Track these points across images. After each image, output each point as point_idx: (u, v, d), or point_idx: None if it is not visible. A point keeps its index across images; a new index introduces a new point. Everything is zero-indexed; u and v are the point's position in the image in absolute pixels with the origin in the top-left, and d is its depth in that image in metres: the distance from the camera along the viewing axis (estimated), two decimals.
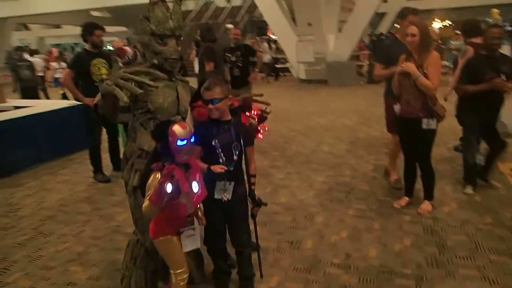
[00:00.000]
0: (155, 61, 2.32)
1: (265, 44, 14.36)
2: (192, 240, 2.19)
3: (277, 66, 14.46)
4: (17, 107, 6.07)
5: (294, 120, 7.60)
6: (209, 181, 2.27)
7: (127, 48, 3.37)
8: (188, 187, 2.01)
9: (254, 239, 2.67)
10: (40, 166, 5.37)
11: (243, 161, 2.45)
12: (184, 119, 2.54)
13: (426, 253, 2.89)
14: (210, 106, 2.27)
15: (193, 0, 23.59)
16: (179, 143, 1.95)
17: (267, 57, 13.61)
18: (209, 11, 21.81)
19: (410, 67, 3.25)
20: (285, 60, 13.80)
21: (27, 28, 30.53)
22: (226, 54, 5.87)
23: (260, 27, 16.36)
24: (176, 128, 1.97)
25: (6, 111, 5.75)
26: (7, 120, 5.12)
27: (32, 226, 3.65)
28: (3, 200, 4.33)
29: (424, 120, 3.32)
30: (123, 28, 26.02)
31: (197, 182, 2.09)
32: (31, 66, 9.01)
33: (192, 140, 2.04)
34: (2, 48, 18.28)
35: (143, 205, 1.93)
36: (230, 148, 2.29)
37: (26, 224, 3.72)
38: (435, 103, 3.33)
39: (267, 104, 3.02)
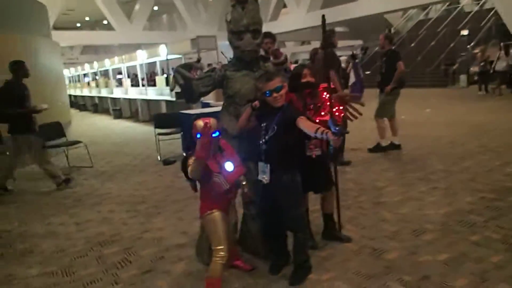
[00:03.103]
0: (237, 54, 2.76)
1: (502, 51, 12.05)
2: None
3: None
4: None
5: (495, 136, 6.33)
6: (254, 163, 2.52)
7: (282, 52, 3.94)
8: (218, 167, 2.27)
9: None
10: None
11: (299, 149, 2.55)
12: None
13: None
14: (275, 94, 2.44)
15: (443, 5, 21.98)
16: (198, 136, 2.18)
17: (501, 65, 11.46)
18: (449, 17, 19.94)
19: None
20: None
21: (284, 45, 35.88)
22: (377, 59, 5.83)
23: (505, 31, 13.80)
24: (198, 122, 2.20)
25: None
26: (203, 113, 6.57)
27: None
28: None
29: None
30: (359, 42, 27.02)
31: (231, 162, 2.32)
32: None
33: (216, 134, 2.20)
34: None
35: (189, 169, 2.28)
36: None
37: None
38: None
39: (362, 104, 2.95)
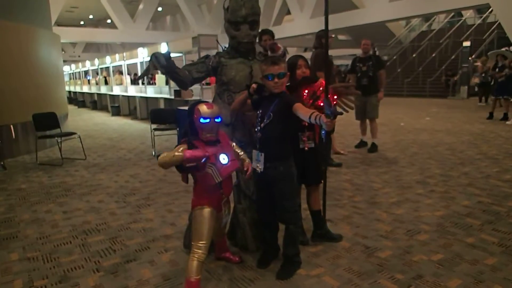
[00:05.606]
0: (233, 44, 2.69)
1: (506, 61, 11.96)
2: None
3: None
4: None
5: (494, 144, 6.26)
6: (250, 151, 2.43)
7: (280, 46, 3.89)
8: (214, 159, 2.16)
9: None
10: None
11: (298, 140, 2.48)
12: None
13: None
14: (276, 79, 2.34)
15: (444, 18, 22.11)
16: (202, 120, 2.12)
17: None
18: (452, 29, 19.97)
19: None
20: None
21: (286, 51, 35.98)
22: (357, 64, 5.94)
23: (508, 44, 13.83)
24: (201, 106, 2.15)
25: None
26: None
27: None
28: None
29: None
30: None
31: (226, 155, 2.21)
32: None
33: (218, 120, 2.16)
34: None
35: (162, 155, 2.10)
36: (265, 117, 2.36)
37: None
38: None
39: (357, 93, 2.91)
